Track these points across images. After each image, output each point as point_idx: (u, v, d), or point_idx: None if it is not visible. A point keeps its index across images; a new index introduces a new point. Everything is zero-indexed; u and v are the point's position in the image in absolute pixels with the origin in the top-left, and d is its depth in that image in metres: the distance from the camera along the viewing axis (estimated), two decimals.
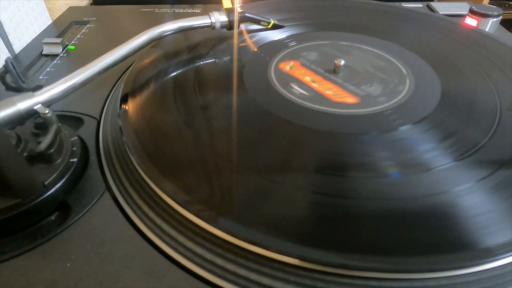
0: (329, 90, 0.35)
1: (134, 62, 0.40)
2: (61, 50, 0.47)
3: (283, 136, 0.30)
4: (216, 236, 0.23)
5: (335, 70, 0.37)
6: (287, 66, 0.38)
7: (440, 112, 0.32)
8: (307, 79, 0.36)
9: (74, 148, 0.28)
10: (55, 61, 0.45)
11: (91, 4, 0.73)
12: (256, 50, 0.41)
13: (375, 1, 0.53)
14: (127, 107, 0.33)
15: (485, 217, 0.23)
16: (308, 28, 0.46)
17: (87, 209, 0.26)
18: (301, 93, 0.34)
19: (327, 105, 0.32)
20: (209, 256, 0.23)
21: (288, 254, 0.21)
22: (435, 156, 0.27)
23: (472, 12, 0.49)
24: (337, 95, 0.34)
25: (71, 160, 0.28)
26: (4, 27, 0.52)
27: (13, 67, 0.28)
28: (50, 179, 0.25)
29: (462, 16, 0.53)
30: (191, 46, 0.42)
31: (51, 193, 0.25)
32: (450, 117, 0.31)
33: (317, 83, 0.36)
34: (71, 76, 0.31)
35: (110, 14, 0.58)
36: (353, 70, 0.37)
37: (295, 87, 0.35)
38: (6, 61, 0.27)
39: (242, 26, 0.45)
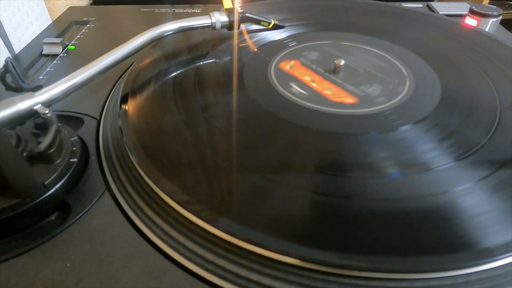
0: (328, 90, 0.35)
1: (134, 62, 0.40)
2: (61, 50, 0.47)
3: (283, 136, 0.30)
4: (216, 236, 0.23)
5: (335, 70, 0.37)
6: (287, 66, 0.38)
7: (440, 112, 0.32)
8: (307, 78, 0.36)
9: (74, 148, 0.28)
10: (55, 61, 0.45)
11: (91, 4, 0.73)
12: (256, 50, 0.41)
13: (375, 1, 0.53)
14: (127, 107, 0.33)
15: (485, 217, 0.23)
16: (308, 28, 0.46)
17: (87, 209, 0.26)
18: (301, 93, 0.34)
19: (327, 105, 0.32)
20: (209, 256, 0.23)
21: (288, 254, 0.21)
22: (435, 156, 0.27)
23: (472, 12, 0.49)
24: (336, 95, 0.34)
25: (71, 160, 0.27)
26: (4, 27, 0.52)
27: (13, 67, 0.28)
28: (50, 179, 0.25)
29: (462, 16, 0.53)
30: (191, 46, 0.42)
31: (51, 193, 0.25)
32: (450, 117, 0.31)
33: (316, 82, 0.36)
34: (71, 76, 0.31)
35: (110, 14, 0.58)
36: (353, 70, 0.37)
37: (295, 86, 0.35)
38: (6, 61, 0.27)
39: (243, 26, 0.45)
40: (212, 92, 0.35)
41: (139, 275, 0.22)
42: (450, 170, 0.26)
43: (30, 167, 0.25)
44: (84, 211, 0.26)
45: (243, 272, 0.22)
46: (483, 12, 0.48)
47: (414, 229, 0.22)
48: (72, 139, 0.29)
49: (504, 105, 0.32)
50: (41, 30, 0.53)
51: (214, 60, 0.40)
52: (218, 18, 0.40)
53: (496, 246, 0.21)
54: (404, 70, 0.37)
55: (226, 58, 0.40)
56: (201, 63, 0.39)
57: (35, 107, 0.27)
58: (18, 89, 0.28)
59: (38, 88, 0.29)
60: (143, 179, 0.27)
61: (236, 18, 0.41)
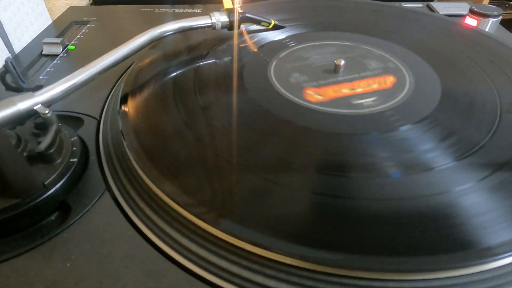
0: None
1: (134, 62, 0.40)
2: (61, 50, 0.47)
3: (283, 136, 0.30)
4: (216, 237, 0.23)
5: (335, 70, 0.37)
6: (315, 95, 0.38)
7: (440, 112, 0.32)
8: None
9: (74, 148, 0.28)
10: (55, 61, 0.45)
11: (91, 4, 0.73)
12: (256, 50, 0.41)
13: (375, 1, 0.53)
14: (127, 107, 0.33)
15: (486, 217, 0.23)
16: (308, 28, 0.46)
17: (87, 209, 0.26)
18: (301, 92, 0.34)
19: (328, 105, 0.32)
20: (209, 256, 0.23)
21: (290, 254, 0.21)
22: (435, 156, 0.27)
23: (472, 12, 0.49)
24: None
25: (71, 160, 0.27)
26: (4, 27, 0.52)
27: (13, 67, 0.28)
28: (50, 179, 0.25)
29: (462, 16, 0.53)
30: (191, 46, 0.42)
31: (51, 193, 0.25)
32: (450, 117, 0.31)
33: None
34: (71, 76, 0.31)
35: (110, 14, 0.58)
36: (353, 70, 0.37)
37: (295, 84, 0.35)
38: (6, 61, 0.27)
39: (243, 27, 0.45)
40: (212, 92, 0.35)
41: (139, 275, 0.22)
42: (450, 170, 0.26)
43: (30, 167, 0.25)
44: (84, 211, 0.26)
45: (243, 272, 0.22)
46: (483, 12, 0.48)
47: (415, 229, 0.22)
48: (72, 139, 0.29)
49: (504, 105, 0.32)
50: (41, 30, 0.53)
51: (214, 60, 0.40)
52: (218, 18, 0.40)
53: (496, 246, 0.21)
54: (404, 70, 0.37)
55: (226, 58, 0.40)
56: (201, 63, 0.39)
57: (35, 107, 0.27)
58: (18, 89, 0.28)
59: (38, 88, 0.29)
60: (143, 180, 0.27)
61: (236, 18, 0.41)
